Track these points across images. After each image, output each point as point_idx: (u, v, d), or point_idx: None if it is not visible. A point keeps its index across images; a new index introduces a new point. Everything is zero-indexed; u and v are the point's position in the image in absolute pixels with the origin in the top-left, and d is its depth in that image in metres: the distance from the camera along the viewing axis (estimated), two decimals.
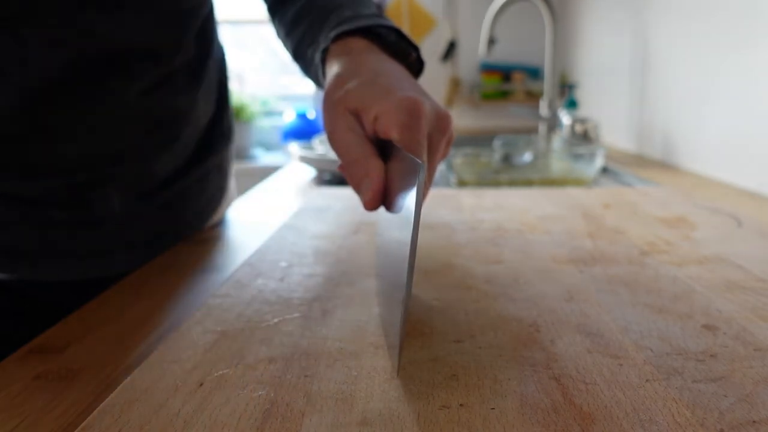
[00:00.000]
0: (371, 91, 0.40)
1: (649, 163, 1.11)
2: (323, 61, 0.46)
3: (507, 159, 1.07)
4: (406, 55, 0.46)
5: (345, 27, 0.45)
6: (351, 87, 0.40)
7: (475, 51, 2.02)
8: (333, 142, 0.40)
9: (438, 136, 0.40)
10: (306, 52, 0.51)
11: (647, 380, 0.27)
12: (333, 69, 0.43)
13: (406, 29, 2.13)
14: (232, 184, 0.72)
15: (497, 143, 1.14)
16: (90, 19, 0.44)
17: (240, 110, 2.38)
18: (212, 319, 0.35)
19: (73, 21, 0.43)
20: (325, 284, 0.41)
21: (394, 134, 0.37)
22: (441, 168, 1.12)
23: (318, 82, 0.50)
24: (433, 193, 0.75)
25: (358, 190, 0.38)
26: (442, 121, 0.40)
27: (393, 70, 0.43)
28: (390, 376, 0.28)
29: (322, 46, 0.46)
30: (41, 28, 0.42)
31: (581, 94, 1.66)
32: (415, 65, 0.47)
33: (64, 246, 0.50)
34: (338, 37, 0.45)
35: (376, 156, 0.38)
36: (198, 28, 0.55)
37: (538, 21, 1.90)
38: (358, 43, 0.45)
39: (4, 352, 0.36)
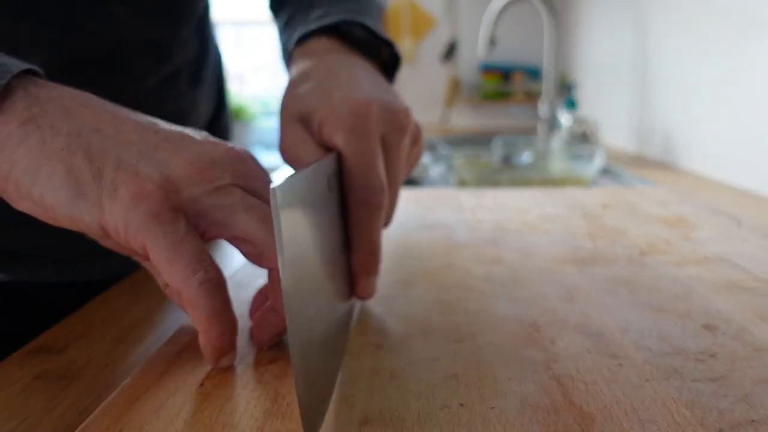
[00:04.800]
0: (317, 95, 0.36)
1: (649, 163, 1.11)
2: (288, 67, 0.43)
3: (507, 159, 1.07)
4: (377, 52, 0.42)
5: (307, 28, 0.42)
6: (299, 93, 0.37)
7: (475, 51, 2.02)
8: (283, 155, 0.36)
9: (395, 136, 0.35)
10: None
11: (647, 380, 0.27)
12: (290, 74, 0.40)
13: (406, 30, 2.13)
14: None
15: (497, 143, 1.14)
16: (82, 15, 0.43)
17: (240, 110, 2.38)
18: None
19: (64, 18, 0.43)
20: None
21: (338, 141, 0.34)
22: (441, 168, 1.12)
23: None
24: (433, 193, 0.75)
25: None
26: (398, 118, 0.35)
27: (349, 69, 0.38)
28: (390, 376, 0.28)
29: (288, 51, 0.43)
30: (33, 26, 0.42)
31: (581, 95, 1.66)
32: (389, 63, 0.43)
33: (64, 247, 0.50)
34: (301, 41, 0.42)
35: None
36: (195, 25, 0.55)
37: (538, 21, 1.90)
38: (320, 44, 0.41)
39: (4, 352, 0.36)
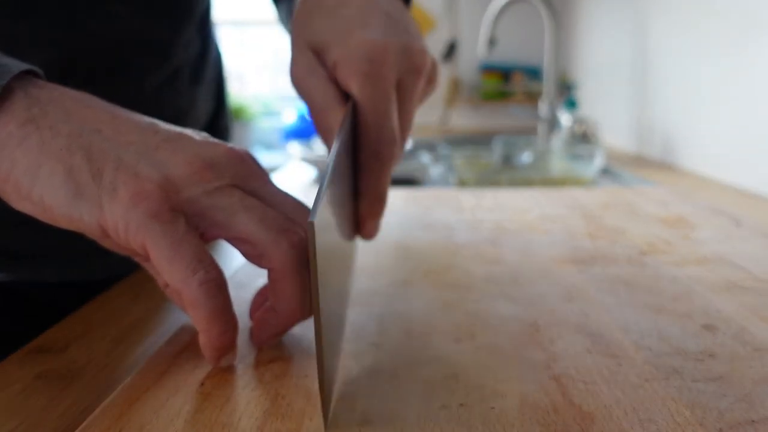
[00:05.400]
0: (332, 27, 0.35)
1: (648, 163, 1.11)
2: None
3: (507, 159, 1.07)
4: None
5: None
6: (312, 19, 0.36)
7: (475, 51, 2.02)
8: (294, 83, 0.36)
9: (411, 78, 0.35)
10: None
11: (647, 380, 0.27)
12: None
13: None
14: None
15: (497, 143, 1.14)
16: (84, 15, 0.43)
17: (240, 110, 2.38)
18: None
19: (66, 18, 0.43)
20: None
21: (353, 87, 0.33)
22: (441, 168, 1.12)
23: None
24: (433, 193, 0.75)
25: (324, 143, 0.35)
26: (414, 60, 0.35)
27: None
28: (390, 376, 0.28)
29: None
30: (35, 26, 0.42)
31: (581, 95, 1.66)
32: None
33: (65, 247, 0.50)
34: None
35: (338, 106, 0.34)
36: (198, 21, 0.55)
37: (538, 21, 1.90)
38: None
39: (4, 352, 0.36)
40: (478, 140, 1.58)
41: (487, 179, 0.99)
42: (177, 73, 0.53)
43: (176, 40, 0.51)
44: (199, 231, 0.28)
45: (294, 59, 0.36)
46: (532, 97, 2.01)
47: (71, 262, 0.52)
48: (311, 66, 0.35)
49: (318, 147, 1.12)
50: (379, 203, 0.35)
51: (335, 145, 0.29)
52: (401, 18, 0.37)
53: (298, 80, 0.36)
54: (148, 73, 0.50)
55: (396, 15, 0.37)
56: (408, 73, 0.35)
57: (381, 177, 0.35)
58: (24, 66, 0.28)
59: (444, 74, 2.12)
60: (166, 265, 0.27)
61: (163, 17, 0.49)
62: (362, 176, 0.35)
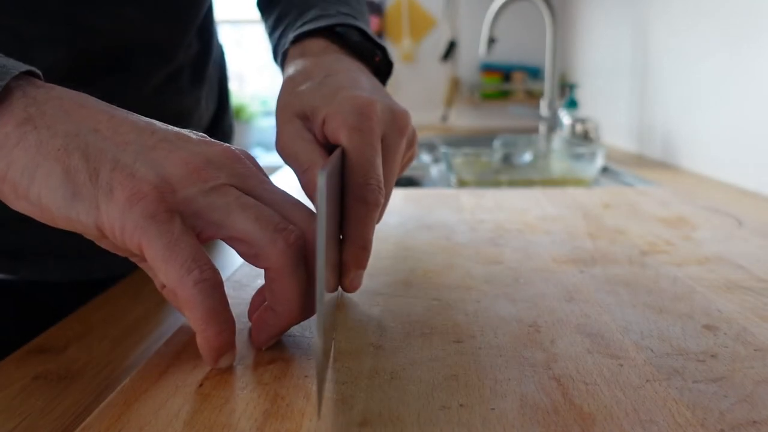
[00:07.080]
0: (320, 93, 0.37)
1: (649, 163, 1.11)
2: (283, 66, 0.43)
3: (507, 159, 1.07)
4: (371, 56, 0.43)
5: (304, 28, 0.43)
6: (300, 90, 0.38)
7: (475, 51, 2.02)
8: (280, 151, 0.37)
9: (394, 137, 0.37)
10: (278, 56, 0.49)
11: (647, 380, 0.27)
12: (287, 72, 0.41)
13: (405, 29, 2.13)
14: None
15: (497, 143, 1.14)
16: (89, 14, 0.43)
17: (240, 110, 2.38)
18: None
19: (72, 17, 0.43)
20: None
21: (342, 138, 0.34)
22: (441, 168, 1.12)
23: None
24: (433, 193, 0.75)
25: (311, 200, 0.35)
26: (398, 120, 0.37)
27: (348, 69, 0.39)
28: (390, 377, 0.28)
29: (282, 50, 0.44)
30: (41, 26, 0.42)
31: (581, 94, 1.66)
32: (382, 67, 0.44)
33: (65, 246, 0.50)
34: (298, 40, 0.43)
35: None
36: (199, 23, 0.55)
37: (538, 21, 1.90)
38: (316, 45, 0.42)
39: (4, 352, 0.36)
40: (478, 140, 1.58)
41: (487, 179, 0.99)
42: (179, 72, 0.53)
43: (178, 42, 0.51)
44: (195, 231, 0.28)
45: (281, 128, 0.37)
46: (533, 97, 2.01)
47: (71, 262, 0.52)
48: (298, 131, 0.36)
49: None
50: (363, 252, 0.34)
51: (329, 162, 0.29)
52: (381, 87, 0.39)
53: (284, 145, 0.36)
54: (151, 72, 0.50)
55: (377, 84, 0.39)
56: (392, 131, 0.36)
57: (366, 223, 0.34)
58: (23, 67, 0.28)
59: (444, 74, 2.12)
60: (162, 265, 0.26)
61: (168, 19, 0.49)
62: (347, 224, 0.34)
